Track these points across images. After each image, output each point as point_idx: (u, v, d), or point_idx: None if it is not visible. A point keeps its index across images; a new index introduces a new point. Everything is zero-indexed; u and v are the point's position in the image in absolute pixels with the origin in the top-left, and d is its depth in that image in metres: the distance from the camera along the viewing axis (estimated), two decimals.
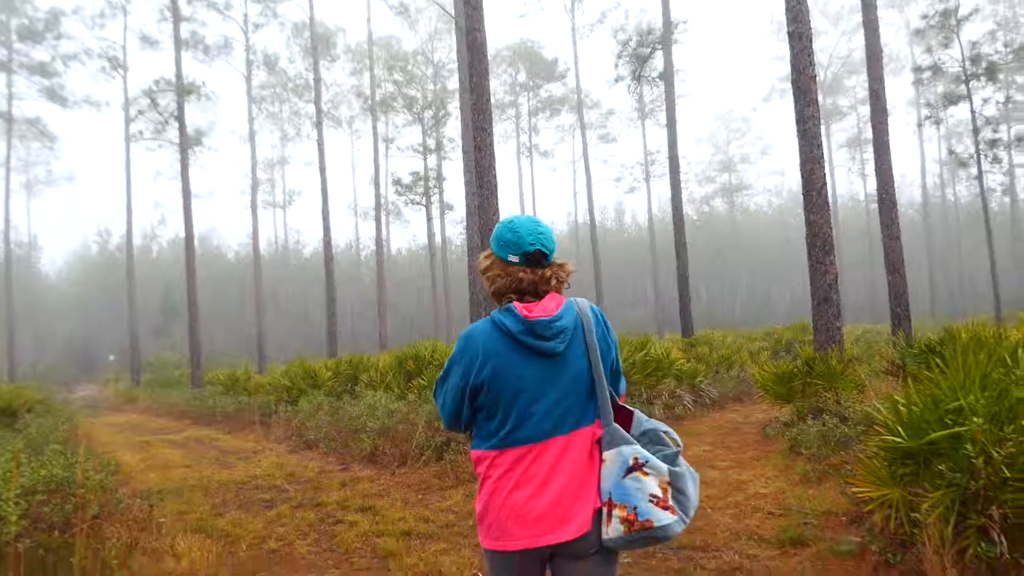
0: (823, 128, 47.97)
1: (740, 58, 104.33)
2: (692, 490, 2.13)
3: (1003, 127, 29.03)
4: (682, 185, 24.63)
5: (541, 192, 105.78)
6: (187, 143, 28.67)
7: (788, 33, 10.32)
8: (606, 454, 2.10)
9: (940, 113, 26.33)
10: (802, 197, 10.30)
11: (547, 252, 2.20)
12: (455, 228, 58.36)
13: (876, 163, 13.85)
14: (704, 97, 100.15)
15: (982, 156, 25.02)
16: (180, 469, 10.17)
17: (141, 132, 34.60)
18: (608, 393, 2.16)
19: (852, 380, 9.37)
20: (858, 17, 51.99)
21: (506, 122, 53.98)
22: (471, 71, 10.18)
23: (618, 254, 70.38)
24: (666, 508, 2.03)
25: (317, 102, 31.01)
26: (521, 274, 2.17)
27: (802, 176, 10.22)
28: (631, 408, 2.24)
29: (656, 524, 2.00)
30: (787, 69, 55.80)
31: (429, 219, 40.11)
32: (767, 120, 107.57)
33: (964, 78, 24.23)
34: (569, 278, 2.27)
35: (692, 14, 77.79)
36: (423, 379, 13.76)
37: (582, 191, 46.72)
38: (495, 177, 10.21)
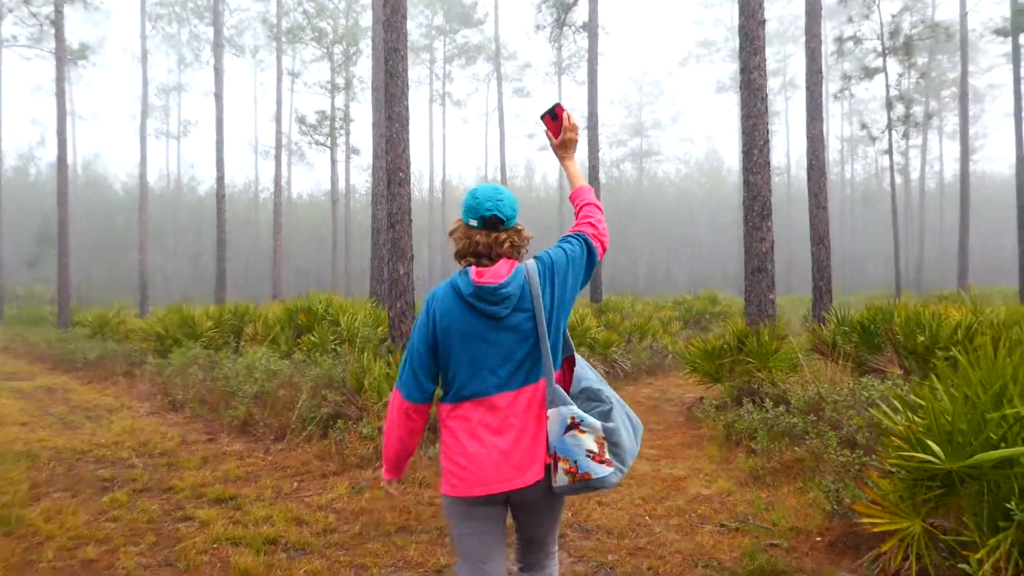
0: (736, 97, 47.74)
1: (658, 20, 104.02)
2: (628, 441, 2.28)
3: (915, 105, 29.26)
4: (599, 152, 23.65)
5: (452, 143, 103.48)
6: (65, 55, 25.60)
7: None
8: (549, 412, 2.23)
9: (853, 87, 26.09)
10: (741, 155, 9.40)
11: (503, 218, 2.32)
12: (361, 175, 56.15)
13: (808, 127, 13.15)
14: (619, 58, 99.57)
15: (893, 132, 25.02)
16: (13, 428, 8.58)
17: (15, 37, 31.00)
18: (549, 354, 2.27)
19: (786, 359, 8.61)
20: None
21: (420, 67, 51.80)
22: None
23: (527, 214, 69.40)
24: (602, 462, 2.19)
25: (216, 22, 28.35)
26: (477, 237, 2.31)
27: (743, 132, 9.31)
28: (576, 363, 2.39)
29: (594, 476, 2.18)
30: (705, 34, 55.98)
31: (334, 163, 37.97)
32: (681, 86, 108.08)
33: (882, 51, 24.03)
34: (527, 243, 2.41)
35: None
36: (314, 336, 12.42)
37: (494, 145, 45.51)
38: (407, 109, 8.86)
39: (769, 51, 54.41)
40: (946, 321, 8.50)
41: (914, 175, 54.87)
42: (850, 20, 25.88)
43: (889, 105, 24.28)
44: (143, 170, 37.59)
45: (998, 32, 22.30)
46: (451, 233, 2.39)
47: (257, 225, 62.25)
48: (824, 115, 13.05)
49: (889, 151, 24.57)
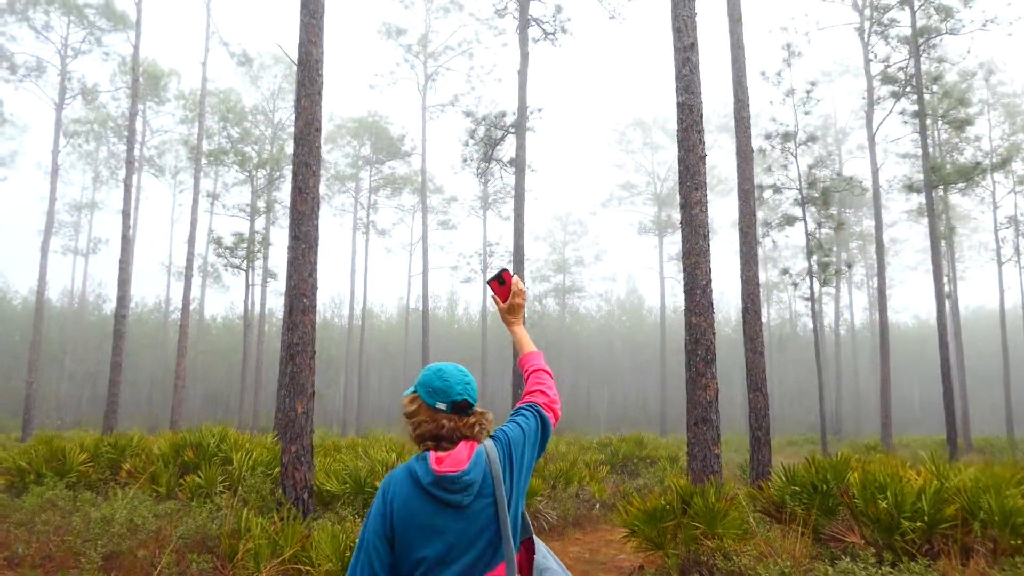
0: (657, 238, 48.88)
1: (581, 161, 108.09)
2: None
3: (832, 254, 30.02)
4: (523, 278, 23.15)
5: (375, 273, 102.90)
6: None
7: (678, 104, 8.92)
8: None
9: (773, 234, 26.62)
10: (684, 294, 8.69)
11: (472, 401, 2.27)
12: (278, 300, 54.51)
13: (742, 271, 12.75)
14: (544, 196, 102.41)
15: (813, 278, 25.34)
16: None
17: None
18: (511, 543, 2.17)
19: (736, 524, 7.60)
20: None
21: (345, 195, 51.59)
22: (299, 92, 7.96)
23: (448, 345, 68.53)
24: None
25: (129, 139, 27.32)
26: (445, 421, 2.22)
27: (684, 270, 8.65)
28: (534, 549, 2.32)
29: None
30: (627, 177, 57.86)
31: (248, 286, 36.48)
32: (603, 225, 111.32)
33: (801, 200, 24.62)
34: (492, 425, 2.33)
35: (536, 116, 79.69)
36: (200, 476, 10.87)
37: (417, 276, 44.75)
38: (316, 229, 7.91)
39: None
40: (908, 485, 7.69)
41: (826, 321, 56.41)
42: (769, 169, 26.69)
43: (810, 252, 24.67)
44: (41, 285, 35.44)
45: (910, 187, 23.22)
46: (411, 415, 2.28)
47: (165, 347, 59.32)
48: (758, 259, 12.67)
49: (811, 297, 24.77)
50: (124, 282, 24.93)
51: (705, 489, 7.85)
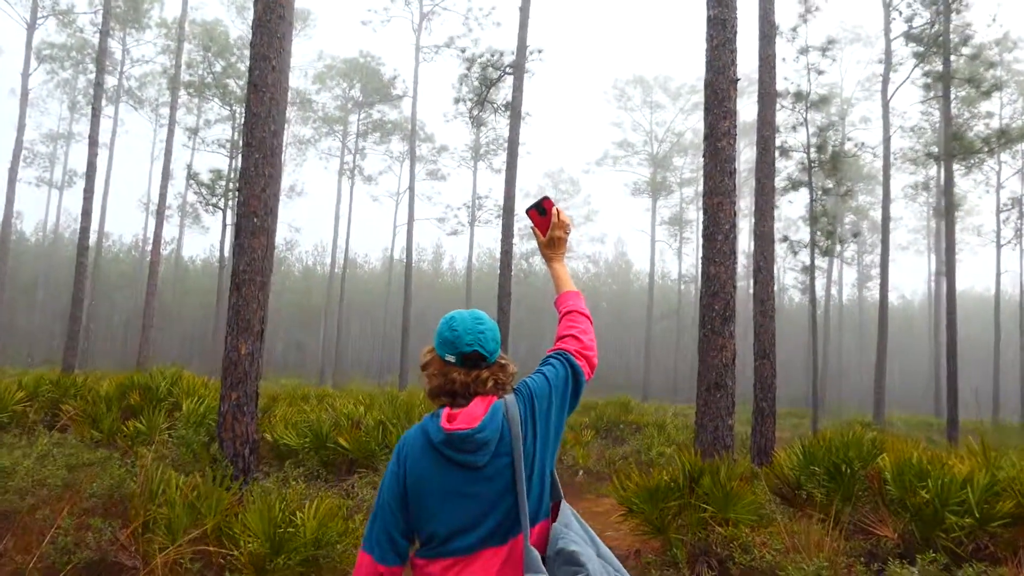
0: (651, 201, 47.64)
1: (577, 117, 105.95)
2: None
3: (838, 222, 28.90)
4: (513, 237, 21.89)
5: (359, 222, 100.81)
6: None
7: (708, 19, 7.63)
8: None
9: (777, 199, 25.38)
10: (702, 240, 7.49)
11: (485, 353, 2.06)
12: None
13: (756, 226, 11.55)
14: (537, 153, 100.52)
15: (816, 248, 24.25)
16: None
17: None
18: (526, 506, 1.97)
19: (753, 508, 6.50)
20: (696, 98, 53.17)
21: (332, 139, 49.82)
22: None
23: (432, 299, 67.29)
24: None
25: (99, 57, 25.55)
26: (455, 375, 2.05)
27: (704, 211, 7.45)
28: (560, 513, 2.08)
29: None
30: (623, 136, 56.29)
31: (225, 225, 35.02)
32: (596, 185, 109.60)
33: (807, 164, 23.42)
34: (512, 379, 2.14)
35: (536, 57, 77.67)
36: (141, 422, 9.71)
37: (402, 227, 43.21)
38: (274, 136, 6.60)
39: (683, 161, 55.14)
40: (951, 473, 6.61)
41: (817, 296, 55.59)
42: (777, 131, 25.40)
43: (813, 219, 23.51)
44: (8, 212, 33.89)
45: (928, 156, 22.02)
46: (424, 367, 2.12)
47: (140, 287, 57.65)
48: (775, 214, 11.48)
49: (811, 266, 23.65)
50: (88, 212, 23.41)
51: (716, 466, 6.73)
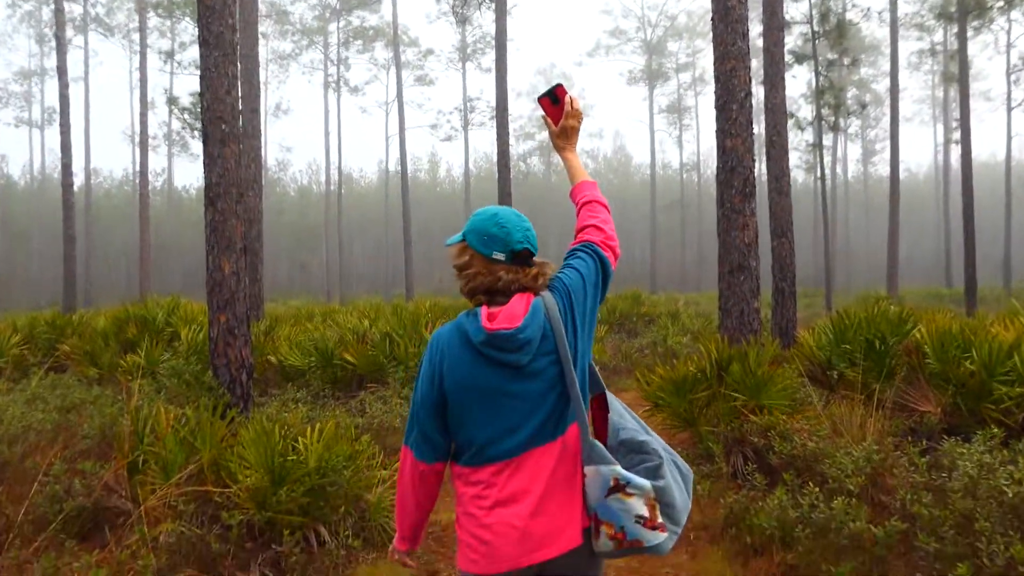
0: (647, 90, 46.18)
1: (566, 8, 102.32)
2: (680, 498, 1.95)
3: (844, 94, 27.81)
4: (509, 134, 21.04)
5: (351, 136, 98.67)
6: None
7: None
8: (586, 469, 1.91)
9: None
10: (716, 112, 6.85)
11: (534, 251, 2.05)
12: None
13: (767, 98, 10.81)
14: (527, 49, 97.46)
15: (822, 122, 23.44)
16: None
17: None
18: (581, 401, 1.94)
19: (786, 393, 6.11)
20: None
21: (313, 51, 48.10)
22: None
23: (431, 209, 66.48)
24: (655, 527, 1.86)
25: None
26: (503, 273, 1.98)
27: (717, 79, 6.79)
28: (608, 406, 2.07)
29: (646, 544, 1.87)
30: (614, 24, 54.18)
31: None
32: (590, 78, 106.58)
33: (812, 35, 22.30)
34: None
35: None
36: (138, 354, 9.36)
37: (394, 137, 42.01)
38: (232, 30, 5.91)
39: (677, 45, 53.19)
40: (995, 340, 6.17)
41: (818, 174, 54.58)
42: None
43: (819, 93, 22.59)
44: None
45: (942, 16, 20.85)
46: (463, 268, 2.03)
47: (136, 222, 57.00)
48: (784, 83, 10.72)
49: (817, 143, 22.85)
50: (67, 147, 22.57)
51: (744, 351, 6.31)
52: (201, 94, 5.93)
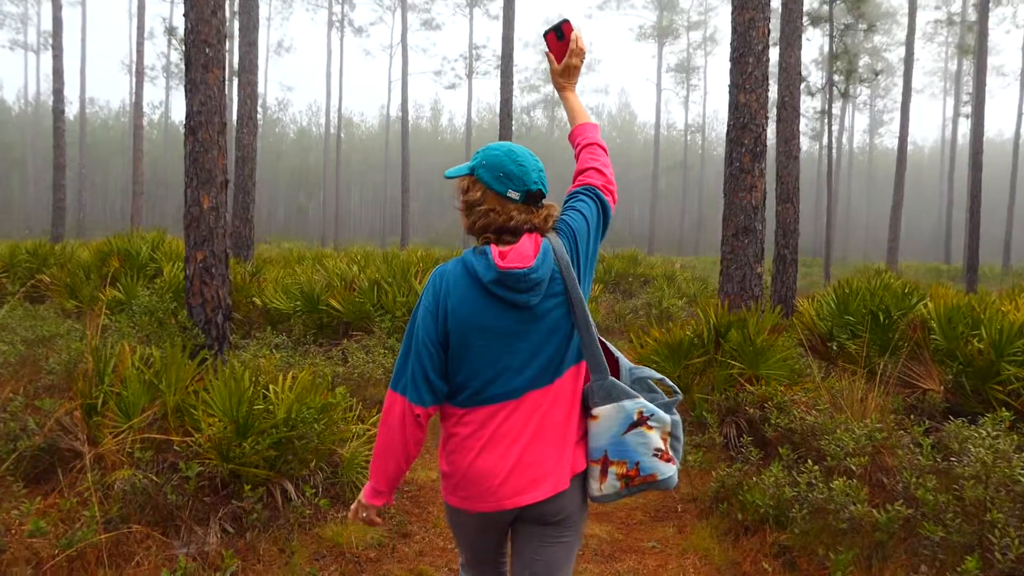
0: (656, 47, 45.20)
1: None
2: (682, 434, 2.03)
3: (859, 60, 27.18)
4: (513, 83, 20.48)
5: (353, 79, 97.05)
6: None
7: None
8: (601, 409, 1.93)
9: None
10: (730, 65, 6.49)
11: (546, 192, 2.00)
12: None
13: (781, 57, 10.38)
14: None
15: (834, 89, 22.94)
16: None
17: None
18: (596, 340, 1.96)
19: (784, 363, 5.86)
20: None
21: None
22: None
23: (432, 157, 65.70)
24: (668, 460, 1.94)
25: None
26: (515, 213, 1.93)
27: (733, 30, 6.41)
28: (613, 351, 2.05)
29: (660, 477, 1.92)
30: None
31: None
32: (599, 31, 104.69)
33: None
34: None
35: None
36: (119, 288, 9.07)
37: (397, 82, 41.17)
38: None
39: (690, 2, 52.02)
40: (1006, 320, 5.92)
41: (823, 142, 53.92)
42: None
43: (833, 57, 22.04)
44: None
45: None
46: (472, 204, 1.96)
47: (131, 154, 56.21)
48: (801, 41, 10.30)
49: (827, 110, 22.37)
50: (59, 72, 21.99)
51: (743, 318, 6.05)
52: (185, 14, 5.55)
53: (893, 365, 6.10)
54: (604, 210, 2.10)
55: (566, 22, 2.26)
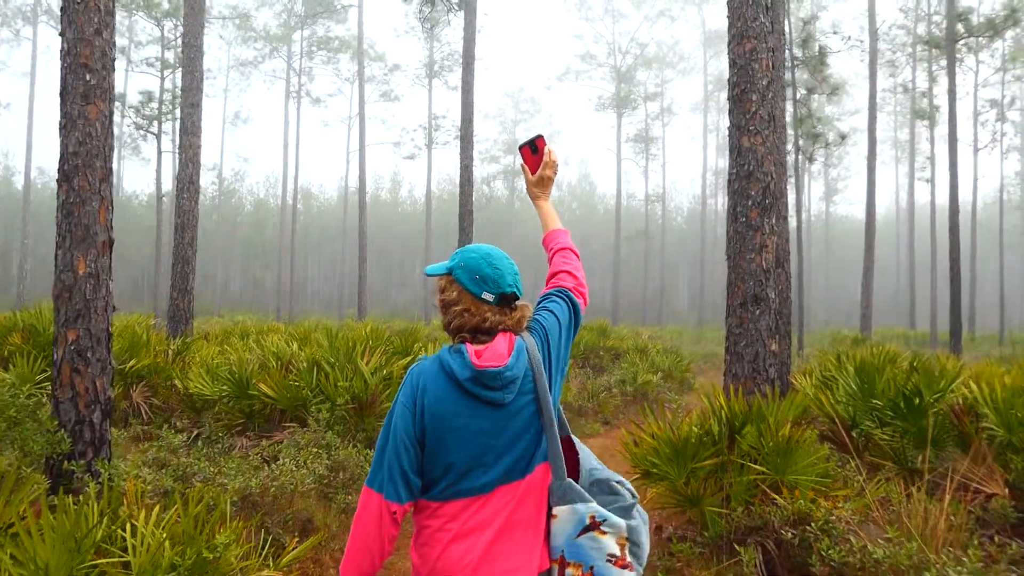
0: (616, 117, 45.23)
1: (538, 32, 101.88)
2: (645, 538, 1.98)
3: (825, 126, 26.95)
4: (473, 148, 19.67)
5: (312, 150, 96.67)
6: None
7: None
8: (558, 510, 1.92)
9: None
10: (729, 104, 5.51)
11: (520, 294, 2.06)
12: (207, 176, 49.65)
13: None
14: (496, 68, 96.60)
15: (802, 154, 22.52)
16: None
17: None
18: (558, 441, 1.97)
19: (815, 466, 4.70)
20: (661, 4, 50.36)
21: (276, 60, 46.37)
22: None
23: (391, 229, 64.80)
24: (624, 567, 1.89)
25: None
26: (489, 314, 1.98)
27: (731, 63, 5.48)
28: (577, 449, 2.06)
29: None
30: (585, 48, 53.35)
31: (160, 153, 32.20)
32: (558, 103, 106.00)
33: (791, 61, 21.40)
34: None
35: None
36: (11, 369, 7.71)
37: (356, 153, 40.30)
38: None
39: (646, 74, 52.55)
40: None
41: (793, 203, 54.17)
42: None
43: (799, 121, 21.67)
44: None
45: (928, 43, 20.05)
46: (450, 304, 2.01)
47: None
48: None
49: (795, 173, 21.86)
50: None
51: (760, 408, 4.90)
52: (62, 33, 4.40)
53: (946, 464, 5.00)
54: (575, 310, 2.16)
55: (540, 137, 2.38)
